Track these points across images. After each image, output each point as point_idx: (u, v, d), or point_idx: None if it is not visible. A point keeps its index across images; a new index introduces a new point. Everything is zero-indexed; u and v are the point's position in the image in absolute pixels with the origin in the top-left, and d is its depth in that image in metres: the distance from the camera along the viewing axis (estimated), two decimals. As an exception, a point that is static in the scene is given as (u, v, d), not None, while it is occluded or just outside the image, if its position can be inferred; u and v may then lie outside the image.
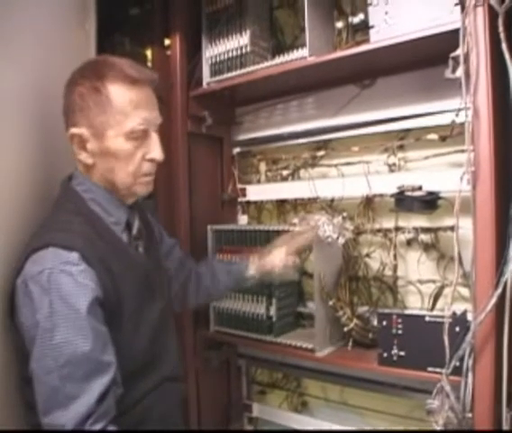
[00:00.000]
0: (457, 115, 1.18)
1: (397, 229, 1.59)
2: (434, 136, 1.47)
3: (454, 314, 1.19)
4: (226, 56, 1.67)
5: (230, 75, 1.66)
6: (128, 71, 1.04)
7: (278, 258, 1.41)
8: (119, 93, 1.03)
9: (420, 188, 1.37)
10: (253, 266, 1.43)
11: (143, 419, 1.08)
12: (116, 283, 1.03)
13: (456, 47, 1.11)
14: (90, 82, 1.03)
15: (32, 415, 0.99)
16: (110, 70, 1.04)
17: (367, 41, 1.36)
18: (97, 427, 0.91)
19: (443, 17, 1.18)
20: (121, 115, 1.02)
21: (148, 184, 1.12)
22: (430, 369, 1.23)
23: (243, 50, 1.63)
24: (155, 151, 1.08)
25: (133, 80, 1.03)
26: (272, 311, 1.60)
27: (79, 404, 0.90)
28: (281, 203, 1.91)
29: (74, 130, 1.04)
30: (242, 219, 1.99)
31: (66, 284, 0.94)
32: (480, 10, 1.08)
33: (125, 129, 1.03)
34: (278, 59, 1.55)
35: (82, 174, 1.10)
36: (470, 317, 1.14)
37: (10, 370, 1.07)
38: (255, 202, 1.99)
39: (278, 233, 1.58)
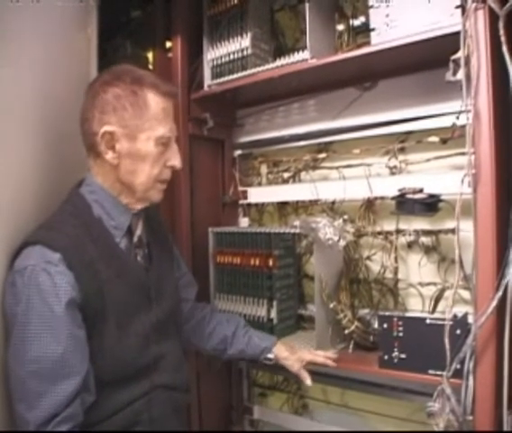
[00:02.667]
0: (458, 118, 1.19)
1: (398, 232, 1.59)
2: (434, 139, 1.46)
3: (455, 317, 1.18)
4: (227, 58, 1.67)
5: (231, 77, 1.66)
6: (160, 83, 1.12)
7: (299, 360, 1.40)
8: (155, 100, 1.10)
9: (421, 190, 1.36)
10: (277, 352, 1.40)
11: (133, 422, 1.10)
12: (102, 288, 1.04)
13: (457, 49, 1.11)
14: (128, 85, 1.08)
15: None
16: (145, 78, 1.11)
17: (368, 43, 1.36)
18: (61, 428, 0.94)
19: (443, 20, 1.18)
20: (154, 121, 1.09)
21: (161, 192, 1.19)
22: (431, 372, 1.23)
23: (245, 53, 1.63)
24: (176, 159, 1.16)
25: (166, 92, 1.12)
26: (273, 314, 1.59)
27: (44, 405, 0.93)
28: (282, 205, 1.92)
29: (107, 128, 1.07)
30: (244, 222, 1.99)
31: (44, 283, 0.97)
32: (480, 13, 1.08)
33: (157, 134, 1.10)
34: (280, 62, 1.55)
35: (92, 176, 1.14)
36: (470, 319, 1.14)
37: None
38: (256, 204, 1.99)
39: (280, 235, 1.59)
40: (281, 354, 1.40)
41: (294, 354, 1.40)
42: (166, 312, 1.22)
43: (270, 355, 1.40)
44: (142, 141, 1.09)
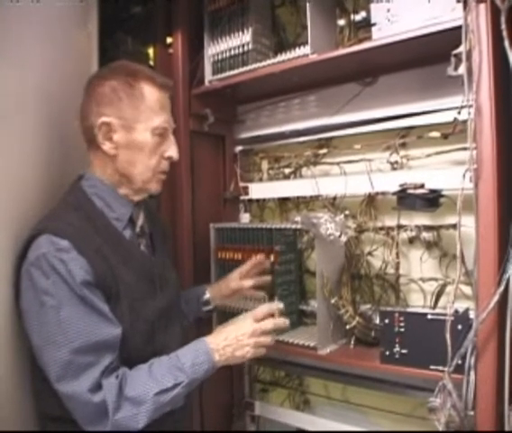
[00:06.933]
0: (459, 113, 1.18)
1: (400, 227, 1.58)
2: (436, 134, 1.46)
3: (457, 312, 1.18)
4: (228, 54, 1.67)
5: (232, 73, 1.66)
6: (156, 76, 1.16)
7: (232, 281, 1.49)
8: (150, 92, 1.13)
9: (422, 185, 1.36)
10: (210, 291, 1.50)
11: None
12: (115, 273, 1.07)
13: (458, 44, 1.10)
14: (123, 77, 1.13)
15: (43, 399, 1.09)
16: (141, 71, 1.15)
17: (369, 38, 1.36)
18: (114, 375, 1.01)
19: (445, 14, 1.18)
20: (150, 112, 1.12)
21: (161, 183, 1.21)
22: (432, 367, 1.23)
23: (245, 48, 1.63)
24: (173, 150, 1.18)
25: (161, 84, 1.16)
26: (274, 309, 1.59)
27: (91, 372, 0.98)
28: (283, 201, 1.91)
29: (104, 119, 1.10)
30: (245, 217, 1.99)
31: (59, 268, 0.99)
32: (482, 7, 1.08)
33: (153, 125, 1.12)
34: (281, 57, 1.54)
35: (91, 171, 1.17)
36: (472, 315, 1.14)
37: (20, 359, 1.12)
38: (257, 200, 1.99)
39: (281, 231, 1.59)
40: (215, 289, 1.50)
41: (226, 283, 1.50)
42: (170, 301, 1.23)
43: (206, 296, 1.48)
44: (139, 131, 1.12)
